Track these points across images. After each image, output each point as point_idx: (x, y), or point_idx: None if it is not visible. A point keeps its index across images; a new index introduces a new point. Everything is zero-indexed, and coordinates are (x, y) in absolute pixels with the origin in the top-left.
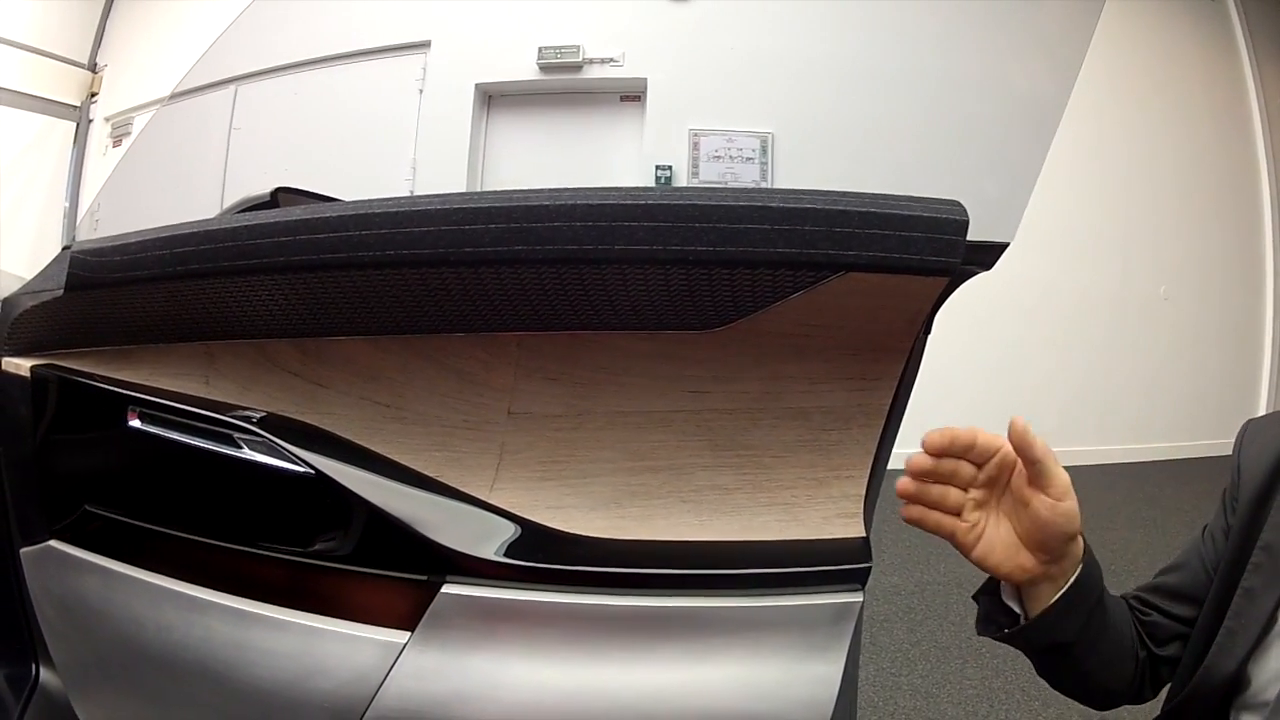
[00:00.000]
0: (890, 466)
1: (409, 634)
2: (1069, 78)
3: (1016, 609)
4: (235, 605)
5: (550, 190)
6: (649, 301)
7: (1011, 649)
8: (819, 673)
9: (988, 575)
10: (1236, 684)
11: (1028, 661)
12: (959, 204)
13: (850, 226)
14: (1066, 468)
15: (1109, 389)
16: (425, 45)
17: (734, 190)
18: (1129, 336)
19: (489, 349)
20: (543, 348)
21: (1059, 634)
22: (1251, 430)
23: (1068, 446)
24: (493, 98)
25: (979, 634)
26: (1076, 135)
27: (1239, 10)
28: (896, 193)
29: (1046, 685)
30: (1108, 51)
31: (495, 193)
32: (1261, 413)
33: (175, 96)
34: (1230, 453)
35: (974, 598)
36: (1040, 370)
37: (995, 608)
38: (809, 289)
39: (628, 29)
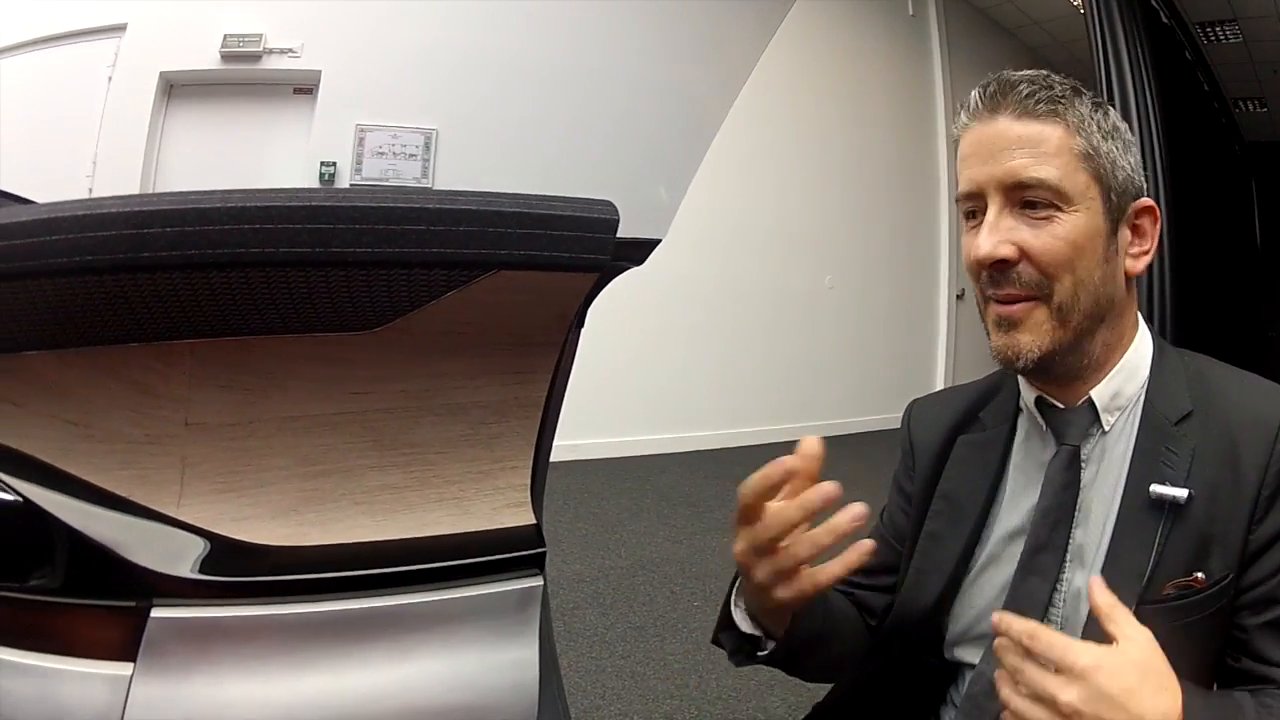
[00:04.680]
0: (559, 458)
1: (133, 664)
2: (738, 81)
3: (750, 629)
4: None
5: (222, 191)
6: (310, 303)
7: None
8: (516, 657)
9: (720, 612)
10: (941, 619)
11: None
12: (610, 203)
13: (502, 226)
14: (740, 449)
15: (778, 373)
16: (120, 29)
17: (394, 191)
18: (796, 324)
19: (165, 359)
20: (214, 355)
21: (806, 632)
22: (917, 409)
23: (743, 428)
24: (174, 87)
25: (738, 665)
26: (749, 139)
27: (939, 23)
28: (552, 190)
29: None
30: (791, 55)
31: (170, 195)
32: (938, 386)
33: None
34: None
35: (715, 640)
36: (712, 359)
37: (740, 638)
38: (462, 287)
39: (311, 18)
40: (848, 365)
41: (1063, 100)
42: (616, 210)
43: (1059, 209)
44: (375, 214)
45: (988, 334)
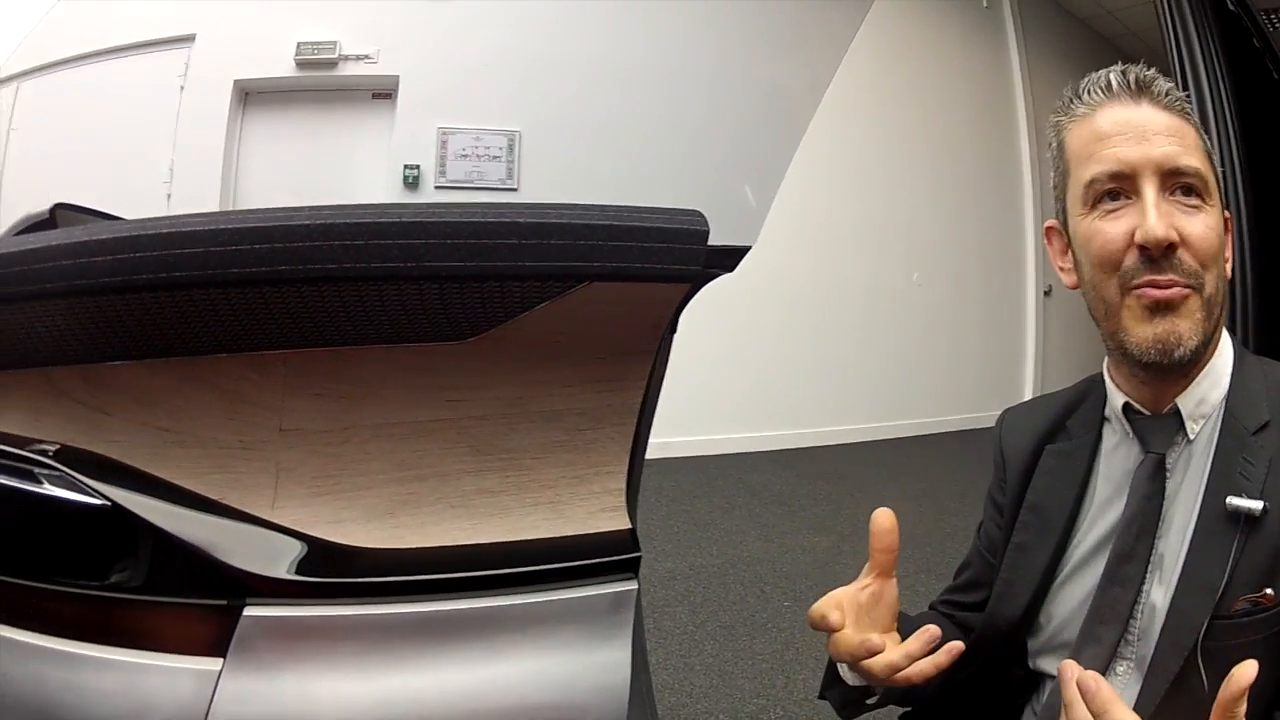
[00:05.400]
0: (650, 456)
1: (222, 660)
2: (823, 80)
3: (857, 681)
4: (56, 647)
5: (310, 208)
6: (404, 315)
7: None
8: (608, 659)
9: (826, 669)
10: (1027, 631)
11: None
12: (699, 214)
13: (593, 239)
14: (832, 447)
15: (868, 371)
16: (190, 39)
17: (484, 205)
18: (885, 322)
19: (258, 368)
20: (308, 365)
21: None
22: (1009, 419)
23: (835, 426)
24: (249, 95)
25: (848, 719)
26: (834, 136)
27: (1014, 14)
28: (639, 198)
29: None
30: (869, 50)
31: (259, 211)
32: (1027, 385)
33: None
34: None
35: (823, 695)
36: (803, 357)
37: (847, 691)
38: (555, 298)
39: (385, 25)
40: (936, 363)
41: (1188, 102)
42: (706, 220)
43: (1204, 201)
44: (467, 229)
45: (1118, 330)
